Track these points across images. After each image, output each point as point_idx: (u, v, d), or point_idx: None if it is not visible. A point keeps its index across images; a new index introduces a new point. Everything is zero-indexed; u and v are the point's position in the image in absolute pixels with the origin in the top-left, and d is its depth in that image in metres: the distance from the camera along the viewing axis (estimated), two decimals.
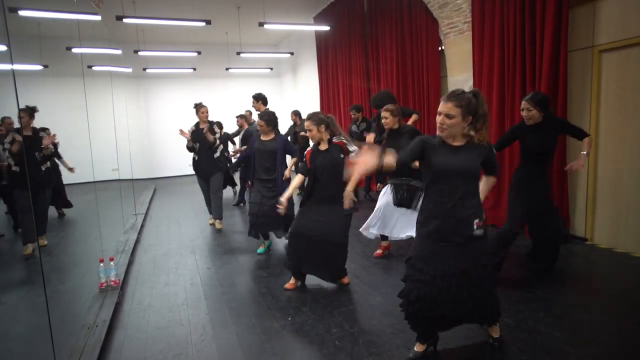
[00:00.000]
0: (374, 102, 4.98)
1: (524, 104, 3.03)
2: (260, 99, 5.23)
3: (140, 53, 8.77)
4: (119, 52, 9.18)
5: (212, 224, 5.50)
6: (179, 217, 6.24)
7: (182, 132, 5.10)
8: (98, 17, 4.64)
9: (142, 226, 5.67)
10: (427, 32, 5.62)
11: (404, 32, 6.11)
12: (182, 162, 11.62)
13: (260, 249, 4.26)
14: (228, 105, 11.53)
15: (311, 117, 3.14)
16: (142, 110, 11.55)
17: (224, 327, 2.72)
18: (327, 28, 7.79)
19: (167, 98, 11.56)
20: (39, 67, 7.96)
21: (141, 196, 8.02)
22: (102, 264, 3.27)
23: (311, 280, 3.41)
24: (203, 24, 6.31)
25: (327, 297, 3.10)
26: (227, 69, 10.47)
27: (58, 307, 3.21)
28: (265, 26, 6.67)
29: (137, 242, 4.88)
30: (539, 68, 3.97)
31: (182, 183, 10.28)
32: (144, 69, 10.39)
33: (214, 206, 5.38)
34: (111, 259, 3.37)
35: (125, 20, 5.73)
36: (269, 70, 11.68)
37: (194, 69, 10.79)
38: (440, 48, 5.53)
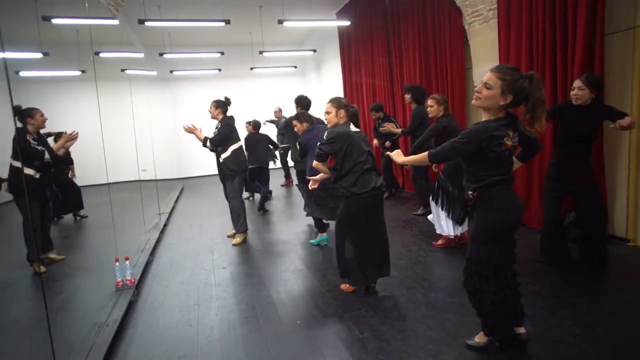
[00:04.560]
0: (410, 91, 5.09)
1: (576, 82, 3.00)
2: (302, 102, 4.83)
3: (165, 56, 8.98)
4: (141, 55, 9.44)
5: (232, 236, 4.79)
6: (203, 216, 6.32)
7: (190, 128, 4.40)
8: (116, 21, 4.75)
9: (165, 225, 5.78)
10: (450, 22, 5.35)
11: (426, 23, 5.86)
12: (210, 161, 11.86)
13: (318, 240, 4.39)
14: (254, 105, 11.63)
15: (332, 100, 2.98)
16: (170, 111, 11.85)
17: (231, 330, 2.68)
18: (347, 23, 7.65)
19: (194, 99, 11.79)
20: (77, 73, 8.39)
21: (167, 196, 8.21)
22: (117, 263, 3.33)
23: (326, 281, 3.33)
24: (223, 24, 6.34)
25: (338, 299, 2.99)
26: (251, 68, 10.53)
27: (74, 306, 3.30)
28: (285, 23, 6.62)
29: (158, 240, 4.97)
30: (572, 54, 3.64)
31: (211, 182, 10.44)
32: (171, 72, 10.65)
33: (231, 216, 4.68)
34: (127, 258, 3.42)
35: (147, 23, 5.86)
36: (294, 68, 11.65)
37: (219, 70, 10.94)
38: (464, 39, 5.25)
